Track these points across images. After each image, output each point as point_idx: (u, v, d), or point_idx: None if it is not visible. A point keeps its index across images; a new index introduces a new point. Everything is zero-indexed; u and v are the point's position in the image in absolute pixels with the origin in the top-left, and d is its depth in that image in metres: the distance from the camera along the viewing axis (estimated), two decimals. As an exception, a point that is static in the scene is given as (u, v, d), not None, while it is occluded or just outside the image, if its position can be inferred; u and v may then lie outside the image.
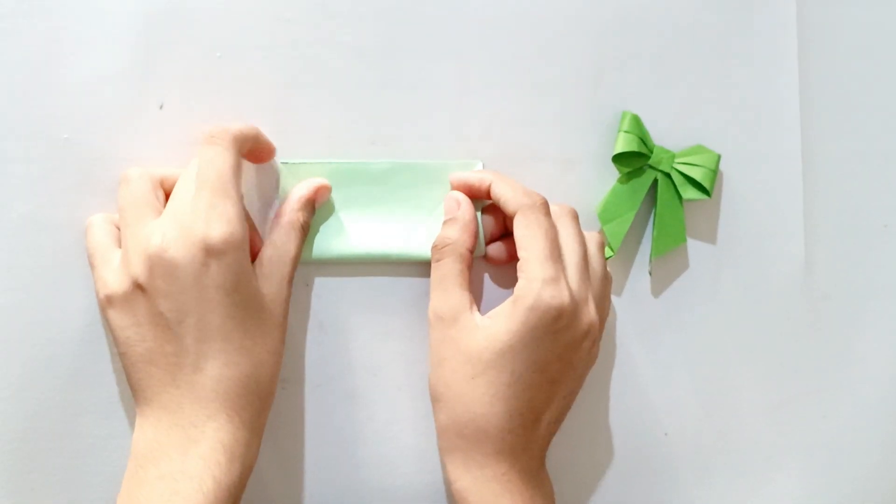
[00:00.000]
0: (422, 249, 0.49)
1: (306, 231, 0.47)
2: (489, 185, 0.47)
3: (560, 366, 0.45)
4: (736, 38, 0.53)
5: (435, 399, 0.46)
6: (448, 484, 0.46)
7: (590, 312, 0.45)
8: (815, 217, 0.55)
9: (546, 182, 0.51)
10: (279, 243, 0.45)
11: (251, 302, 0.42)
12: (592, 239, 0.49)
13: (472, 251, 0.47)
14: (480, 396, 0.44)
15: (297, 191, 0.47)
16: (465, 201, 0.48)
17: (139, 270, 0.42)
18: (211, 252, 0.41)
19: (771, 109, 0.53)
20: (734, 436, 0.55)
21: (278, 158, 0.48)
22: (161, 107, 0.47)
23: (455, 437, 0.45)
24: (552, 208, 0.47)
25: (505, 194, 0.46)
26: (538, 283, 0.44)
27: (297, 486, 0.49)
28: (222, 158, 0.43)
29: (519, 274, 0.45)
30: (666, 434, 0.54)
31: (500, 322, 0.44)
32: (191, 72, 0.47)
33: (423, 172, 0.49)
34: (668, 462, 0.54)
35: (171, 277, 0.41)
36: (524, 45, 0.50)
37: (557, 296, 0.44)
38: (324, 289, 0.49)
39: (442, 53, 0.50)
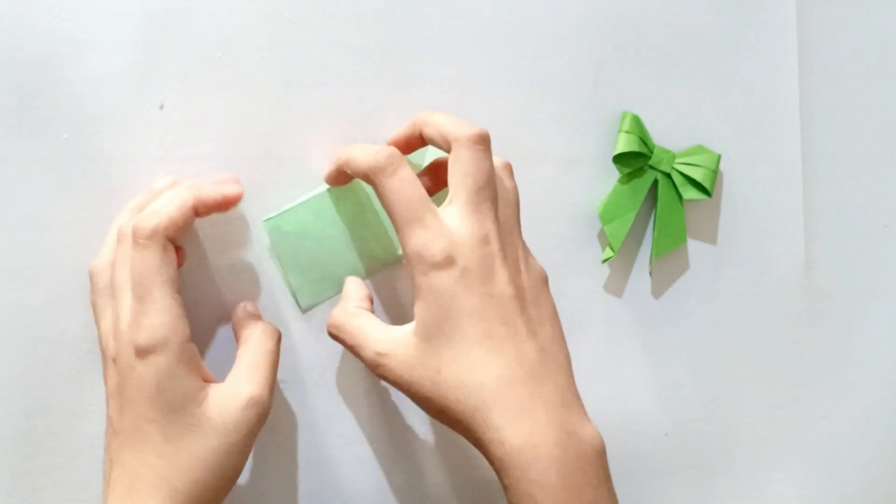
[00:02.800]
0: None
1: (277, 332, 0.46)
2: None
3: (496, 300, 0.41)
4: (736, 39, 0.53)
5: (448, 423, 0.42)
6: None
7: (492, 241, 0.41)
8: (815, 217, 0.55)
9: (546, 182, 0.51)
10: (242, 348, 0.45)
11: (175, 405, 0.41)
12: (498, 163, 0.45)
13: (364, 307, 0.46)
14: (453, 387, 0.40)
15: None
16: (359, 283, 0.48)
17: (103, 369, 0.43)
18: (139, 353, 0.41)
19: (771, 109, 0.53)
20: (734, 436, 0.55)
21: (252, 216, 0.48)
22: (161, 107, 0.47)
23: (469, 437, 0.41)
24: (455, 135, 0.43)
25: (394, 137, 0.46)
26: (410, 248, 0.41)
27: (296, 486, 0.49)
28: (143, 261, 0.41)
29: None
30: (666, 434, 0.54)
31: (417, 308, 0.41)
32: (191, 72, 0.47)
33: None
34: (668, 462, 0.54)
35: (112, 380, 0.42)
36: (524, 45, 0.50)
37: (436, 247, 0.40)
38: (324, 289, 0.49)
39: (442, 53, 0.50)
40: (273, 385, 0.44)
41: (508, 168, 0.45)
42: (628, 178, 0.51)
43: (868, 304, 0.56)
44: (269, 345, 0.45)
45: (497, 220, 0.42)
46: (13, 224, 0.46)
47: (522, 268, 0.43)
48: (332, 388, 0.50)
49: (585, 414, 0.42)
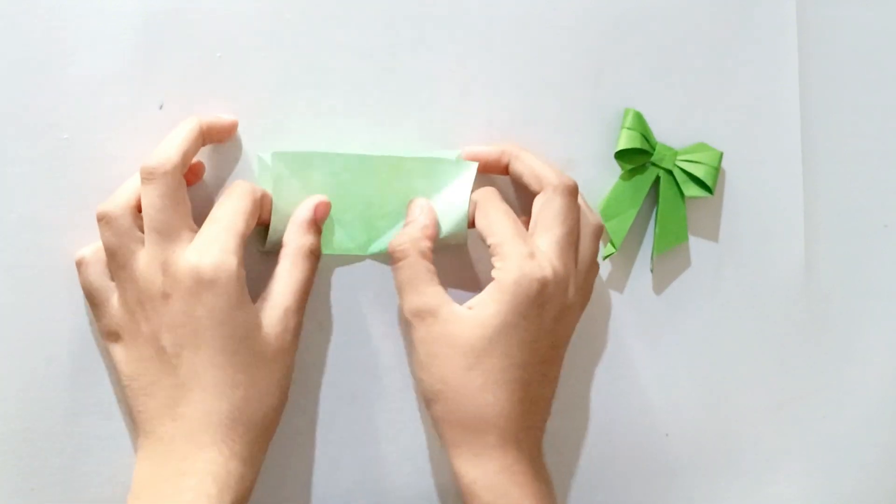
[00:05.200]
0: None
1: (316, 256, 0.46)
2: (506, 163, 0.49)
3: (548, 342, 0.45)
4: (737, 37, 0.53)
5: (431, 398, 0.45)
6: (457, 478, 0.45)
7: (570, 288, 0.46)
8: (815, 217, 0.55)
9: (547, 181, 0.51)
10: (283, 273, 0.45)
11: (244, 333, 0.42)
12: (588, 225, 0.48)
13: (430, 251, 0.47)
14: (480, 386, 0.44)
15: (298, 214, 0.46)
16: (427, 206, 0.48)
17: (141, 308, 0.43)
18: (202, 282, 0.41)
19: (771, 108, 0.54)
20: (734, 436, 0.55)
21: (258, 152, 0.48)
22: (161, 107, 0.47)
23: (459, 432, 0.44)
24: (552, 181, 0.47)
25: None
26: (516, 259, 0.44)
27: (298, 487, 0.49)
28: (236, 205, 0.44)
29: (494, 260, 0.45)
30: (667, 435, 0.54)
31: (487, 307, 0.44)
32: (191, 72, 0.47)
33: (413, 166, 0.48)
34: (668, 462, 0.54)
35: (168, 312, 0.42)
36: (524, 45, 0.50)
37: (538, 268, 0.44)
38: (323, 289, 0.49)
39: (442, 53, 0.50)
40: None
41: (596, 232, 0.49)
42: (630, 174, 0.51)
43: (868, 304, 0.56)
44: (305, 274, 0.45)
45: (575, 263, 0.47)
46: (13, 224, 0.46)
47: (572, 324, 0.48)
48: (333, 388, 0.50)
49: (542, 454, 0.47)
